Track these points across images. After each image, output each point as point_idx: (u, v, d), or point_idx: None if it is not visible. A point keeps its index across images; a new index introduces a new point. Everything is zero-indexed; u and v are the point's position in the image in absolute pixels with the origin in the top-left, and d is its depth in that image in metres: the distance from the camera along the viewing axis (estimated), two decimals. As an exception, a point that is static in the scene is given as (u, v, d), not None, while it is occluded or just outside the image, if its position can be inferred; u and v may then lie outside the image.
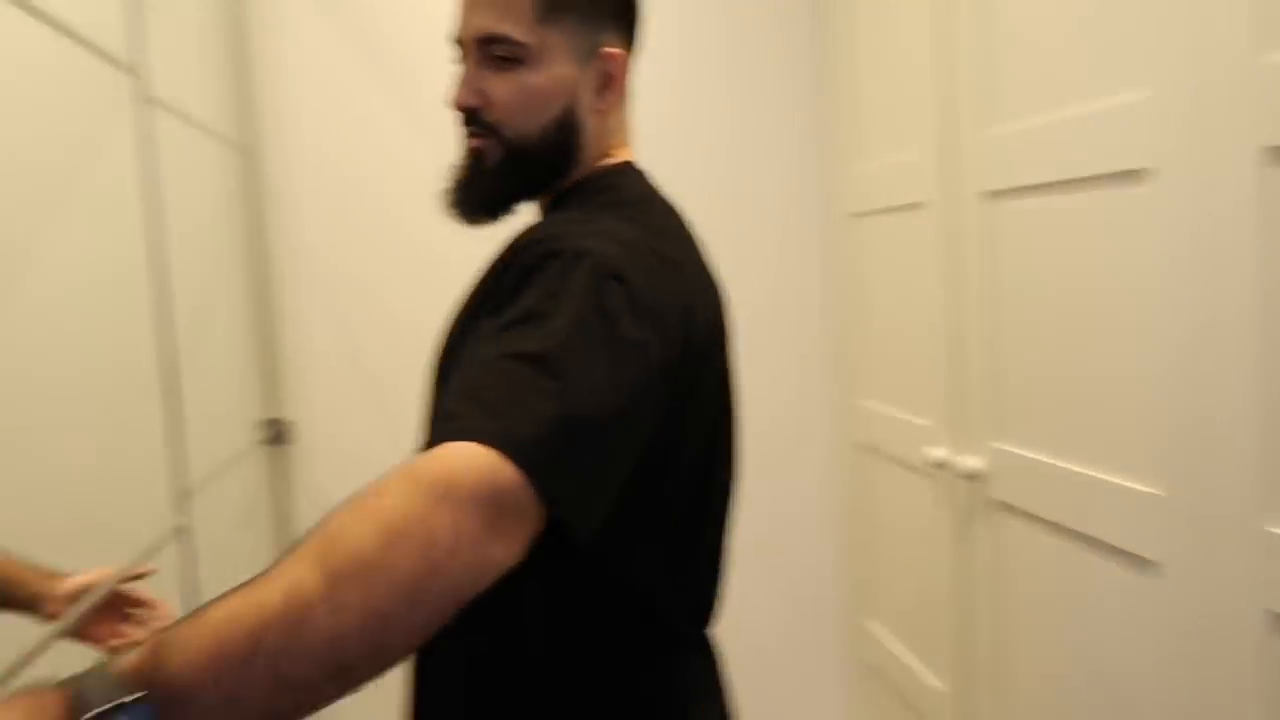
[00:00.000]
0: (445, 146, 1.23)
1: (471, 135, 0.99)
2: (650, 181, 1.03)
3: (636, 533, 0.91)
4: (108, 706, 0.59)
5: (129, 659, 0.62)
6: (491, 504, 0.68)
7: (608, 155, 1.03)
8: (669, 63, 2.32)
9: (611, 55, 0.99)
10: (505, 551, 0.70)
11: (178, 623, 0.63)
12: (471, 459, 0.69)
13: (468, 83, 0.98)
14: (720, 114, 2.39)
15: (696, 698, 1.01)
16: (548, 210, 1.03)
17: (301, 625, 0.62)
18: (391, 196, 2.27)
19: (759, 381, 2.27)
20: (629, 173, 1.03)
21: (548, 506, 0.72)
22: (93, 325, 1.33)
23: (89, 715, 0.59)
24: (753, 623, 2.41)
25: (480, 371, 0.76)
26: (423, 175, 1.92)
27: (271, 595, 0.62)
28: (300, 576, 0.63)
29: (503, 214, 1.02)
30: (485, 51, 0.96)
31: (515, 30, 0.95)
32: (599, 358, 0.77)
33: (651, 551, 0.94)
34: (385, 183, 2.27)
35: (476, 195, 1.00)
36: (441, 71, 1.19)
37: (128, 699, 0.59)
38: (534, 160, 0.98)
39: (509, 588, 0.74)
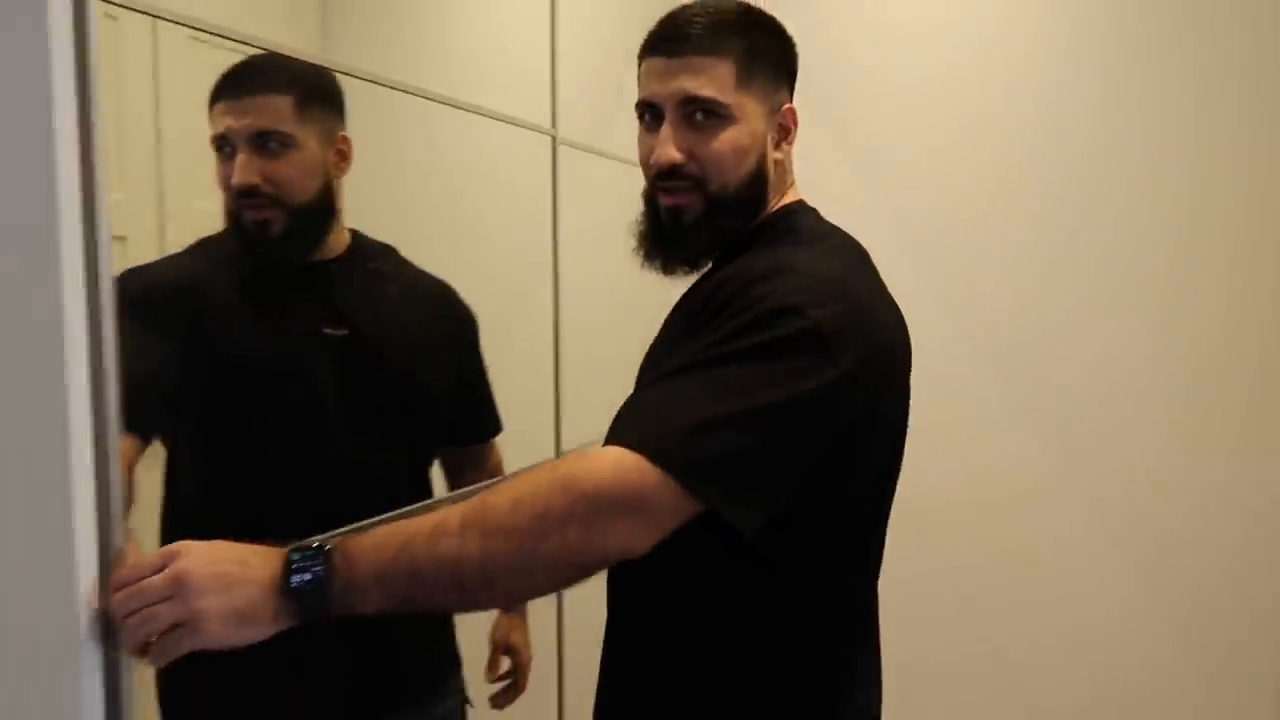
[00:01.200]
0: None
1: (668, 190, 1.08)
2: (822, 217, 1.15)
3: (822, 529, 1.03)
4: (303, 558, 0.84)
5: (334, 543, 0.87)
6: (610, 499, 0.87)
7: (782, 196, 1.14)
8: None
9: (789, 110, 1.12)
10: (624, 538, 0.88)
11: (386, 525, 0.88)
12: (601, 461, 0.88)
13: (673, 140, 1.06)
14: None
15: (867, 688, 1.13)
16: (733, 249, 1.11)
17: (437, 543, 0.85)
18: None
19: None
20: (806, 212, 1.15)
21: (702, 501, 0.89)
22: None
23: (293, 559, 0.84)
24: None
25: (650, 391, 0.95)
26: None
27: (427, 522, 0.87)
28: (451, 514, 0.87)
29: (704, 264, 1.13)
30: (686, 112, 1.06)
31: (720, 93, 1.05)
32: (760, 378, 0.91)
33: (835, 547, 1.05)
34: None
35: (679, 250, 1.11)
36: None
37: (318, 563, 0.84)
38: (732, 211, 1.09)
39: (689, 579, 0.98)
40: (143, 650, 0.83)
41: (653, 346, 1.16)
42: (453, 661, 1.54)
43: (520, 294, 2.02)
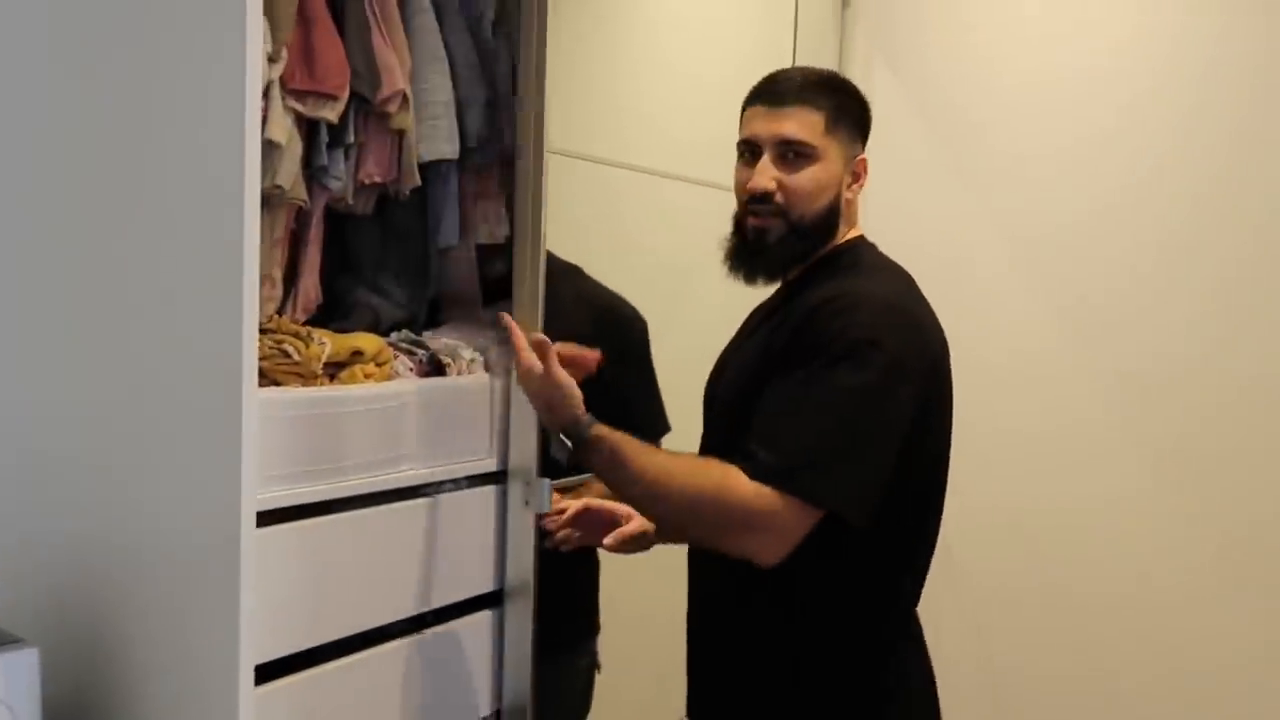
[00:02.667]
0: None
1: (756, 214, 1.35)
2: (880, 252, 1.41)
3: (896, 527, 1.29)
4: (574, 434, 1.27)
5: (599, 426, 1.27)
6: (746, 519, 1.19)
7: (847, 232, 1.39)
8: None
9: (862, 160, 1.38)
10: (753, 549, 1.21)
11: (628, 438, 1.27)
12: (747, 487, 1.19)
13: (767, 173, 1.33)
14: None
15: (929, 682, 1.41)
16: (802, 274, 1.38)
17: (644, 471, 1.24)
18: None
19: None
20: (869, 247, 1.41)
21: (824, 509, 1.19)
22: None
23: (567, 432, 1.28)
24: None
25: (778, 419, 1.23)
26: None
27: (649, 454, 1.27)
28: (659, 457, 1.27)
29: (780, 278, 1.40)
30: (781, 151, 1.32)
31: (811, 136, 1.32)
32: (863, 407, 1.20)
33: (904, 543, 1.35)
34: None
35: (762, 264, 1.38)
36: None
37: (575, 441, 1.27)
38: (807, 235, 1.34)
39: (790, 573, 1.23)
40: None
41: (733, 346, 1.48)
42: (593, 629, 1.77)
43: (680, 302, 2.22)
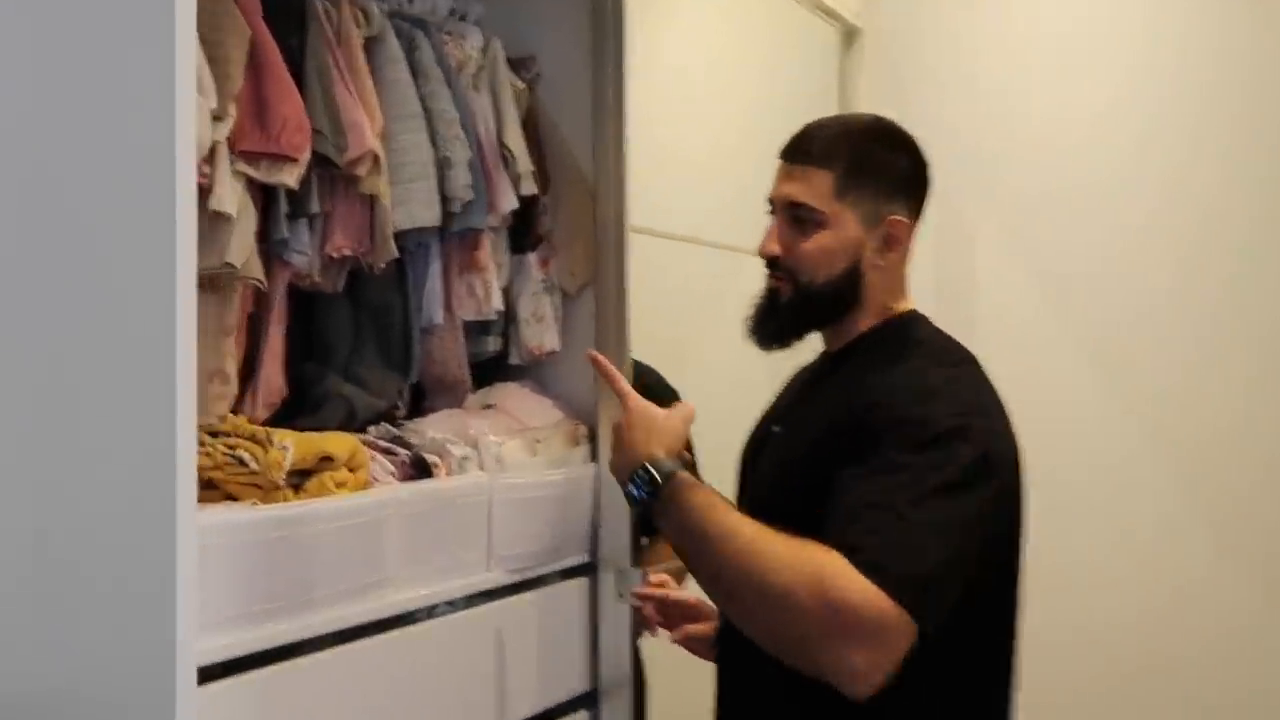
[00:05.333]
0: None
1: (771, 277, 1.25)
2: (937, 327, 1.27)
3: (984, 620, 1.16)
4: (647, 479, 1.14)
5: (683, 474, 1.14)
6: (854, 624, 0.99)
7: (892, 304, 1.25)
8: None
9: (895, 222, 1.22)
10: (858, 663, 1.00)
11: (718, 494, 1.13)
12: (857, 583, 0.99)
13: (775, 236, 1.23)
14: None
15: None
16: (846, 347, 1.26)
17: (725, 541, 1.07)
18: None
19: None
20: (921, 322, 1.26)
21: (918, 624, 1.00)
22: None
23: (640, 473, 1.14)
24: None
25: (875, 514, 1.04)
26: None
27: (734, 521, 1.08)
28: (746, 527, 1.07)
29: (791, 343, 1.28)
30: (791, 213, 1.22)
31: (816, 201, 1.20)
32: (957, 509, 1.05)
33: (993, 637, 1.19)
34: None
35: (770, 327, 1.26)
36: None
37: (651, 490, 1.13)
38: (819, 302, 1.23)
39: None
40: None
41: (775, 414, 1.34)
42: None
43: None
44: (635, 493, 1.15)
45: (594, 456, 1.52)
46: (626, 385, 1.26)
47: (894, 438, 1.09)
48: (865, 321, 1.24)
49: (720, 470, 1.36)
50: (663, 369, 1.79)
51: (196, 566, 0.87)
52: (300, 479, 1.14)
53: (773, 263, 1.24)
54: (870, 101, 2.47)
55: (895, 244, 1.23)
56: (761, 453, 1.32)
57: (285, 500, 1.11)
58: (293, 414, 1.36)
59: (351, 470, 1.18)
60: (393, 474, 1.21)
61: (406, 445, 1.26)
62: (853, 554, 1.02)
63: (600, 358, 1.31)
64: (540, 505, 1.37)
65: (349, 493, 1.14)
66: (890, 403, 1.13)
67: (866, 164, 1.22)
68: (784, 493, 1.21)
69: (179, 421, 0.86)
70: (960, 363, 1.22)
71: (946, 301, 2.03)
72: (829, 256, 1.21)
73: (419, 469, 1.25)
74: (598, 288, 1.53)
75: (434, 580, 1.21)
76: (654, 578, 1.42)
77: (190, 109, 0.91)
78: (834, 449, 1.13)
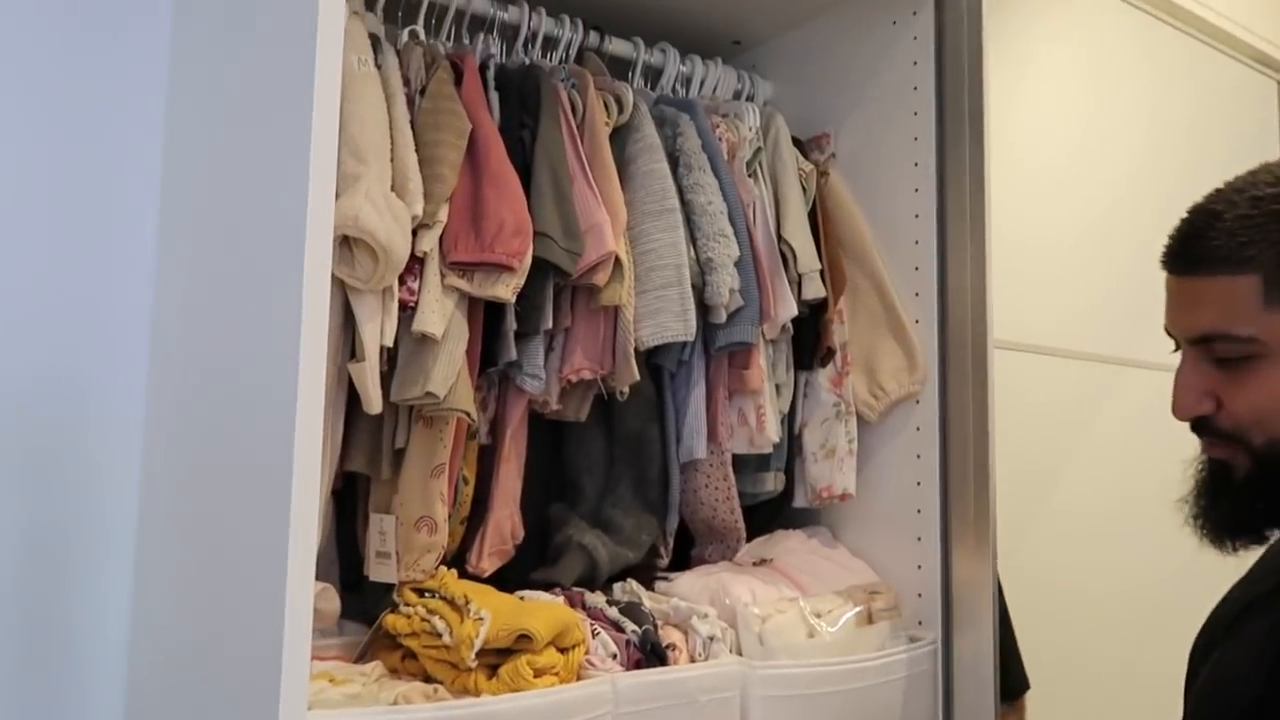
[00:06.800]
0: None
1: (1209, 445, 0.87)
2: None
3: None
4: None
5: None
6: None
7: None
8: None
9: None
10: None
11: None
12: None
13: (1190, 386, 0.85)
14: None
15: None
16: None
17: None
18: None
19: None
20: None
21: None
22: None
23: None
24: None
25: None
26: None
27: None
28: None
29: (1269, 536, 0.87)
30: (1205, 350, 0.84)
31: (1239, 325, 0.81)
32: None
33: None
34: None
35: (1225, 514, 0.87)
36: None
37: None
38: None
39: None
40: None
41: (1224, 625, 0.88)
42: None
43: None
44: None
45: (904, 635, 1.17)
46: None
47: None
48: None
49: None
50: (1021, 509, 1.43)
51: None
52: (500, 658, 0.93)
53: (1201, 425, 0.86)
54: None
55: None
56: (1202, 672, 0.88)
57: (476, 687, 0.90)
58: (534, 562, 1.17)
59: (563, 650, 0.94)
60: (616, 658, 0.95)
61: (639, 619, 0.99)
62: None
63: None
64: (817, 706, 1.03)
65: (548, 683, 0.89)
66: None
67: None
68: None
69: (286, 623, 0.68)
70: None
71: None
72: None
73: (650, 652, 0.98)
74: (949, 422, 1.21)
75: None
76: None
77: (326, 207, 0.74)
78: None
